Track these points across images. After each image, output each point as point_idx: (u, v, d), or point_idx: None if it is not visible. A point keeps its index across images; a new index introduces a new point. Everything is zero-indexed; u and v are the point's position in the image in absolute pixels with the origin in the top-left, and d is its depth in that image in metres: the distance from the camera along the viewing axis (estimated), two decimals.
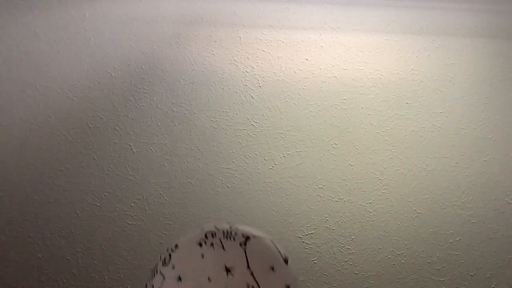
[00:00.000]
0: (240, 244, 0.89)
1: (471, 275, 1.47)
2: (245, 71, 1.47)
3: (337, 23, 1.50)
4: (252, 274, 0.87)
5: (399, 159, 1.48)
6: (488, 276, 1.47)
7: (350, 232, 1.46)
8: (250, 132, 1.46)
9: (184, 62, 1.46)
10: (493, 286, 1.47)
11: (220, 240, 0.89)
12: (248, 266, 0.87)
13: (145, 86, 1.45)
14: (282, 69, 1.48)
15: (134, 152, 1.43)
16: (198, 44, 1.47)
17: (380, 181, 1.47)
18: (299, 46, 1.48)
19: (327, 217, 1.45)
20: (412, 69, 1.50)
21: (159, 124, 1.44)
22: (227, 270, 0.85)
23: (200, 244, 0.88)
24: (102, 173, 1.42)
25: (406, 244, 1.47)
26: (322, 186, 1.46)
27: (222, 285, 0.83)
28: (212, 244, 0.89)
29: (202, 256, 0.87)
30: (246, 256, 0.89)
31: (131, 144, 1.43)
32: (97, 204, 1.42)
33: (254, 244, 0.90)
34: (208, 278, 0.84)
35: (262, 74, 1.47)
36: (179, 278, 0.84)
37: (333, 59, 1.49)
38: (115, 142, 1.43)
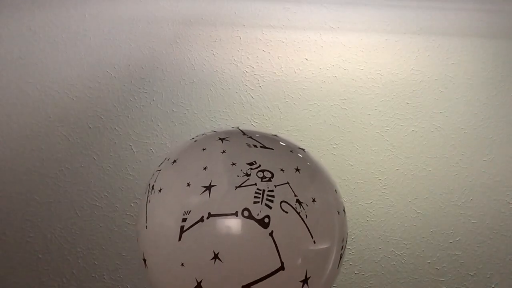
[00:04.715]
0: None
1: (471, 275, 1.47)
2: (245, 71, 1.47)
3: (337, 23, 1.50)
4: (250, 137, 0.89)
5: (399, 159, 1.48)
6: (488, 276, 1.47)
7: (350, 232, 1.46)
8: None
9: (184, 62, 1.46)
10: (493, 286, 1.47)
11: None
12: (244, 134, 0.90)
13: (145, 86, 1.45)
14: (282, 69, 1.48)
15: (134, 152, 1.43)
16: (198, 44, 1.47)
17: (380, 181, 1.47)
18: (299, 46, 1.48)
19: None
20: (412, 69, 1.50)
21: (159, 124, 1.44)
22: (221, 139, 0.88)
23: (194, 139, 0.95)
24: (102, 173, 1.42)
25: (406, 244, 1.46)
26: None
27: (219, 149, 0.85)
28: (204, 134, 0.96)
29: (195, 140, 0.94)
30: (242, 131, 0.92)
31: (131, 144, 1.43)
32: (97, 204, 1.42)
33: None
34: (202, 149, 0.88)
35: (262, 74, 1.47)
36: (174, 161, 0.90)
37: (333, 59, 1.49)
38: (115, 142, 1.43)
